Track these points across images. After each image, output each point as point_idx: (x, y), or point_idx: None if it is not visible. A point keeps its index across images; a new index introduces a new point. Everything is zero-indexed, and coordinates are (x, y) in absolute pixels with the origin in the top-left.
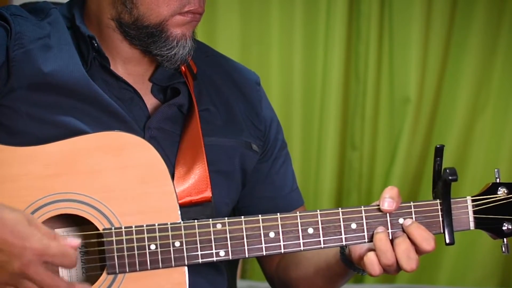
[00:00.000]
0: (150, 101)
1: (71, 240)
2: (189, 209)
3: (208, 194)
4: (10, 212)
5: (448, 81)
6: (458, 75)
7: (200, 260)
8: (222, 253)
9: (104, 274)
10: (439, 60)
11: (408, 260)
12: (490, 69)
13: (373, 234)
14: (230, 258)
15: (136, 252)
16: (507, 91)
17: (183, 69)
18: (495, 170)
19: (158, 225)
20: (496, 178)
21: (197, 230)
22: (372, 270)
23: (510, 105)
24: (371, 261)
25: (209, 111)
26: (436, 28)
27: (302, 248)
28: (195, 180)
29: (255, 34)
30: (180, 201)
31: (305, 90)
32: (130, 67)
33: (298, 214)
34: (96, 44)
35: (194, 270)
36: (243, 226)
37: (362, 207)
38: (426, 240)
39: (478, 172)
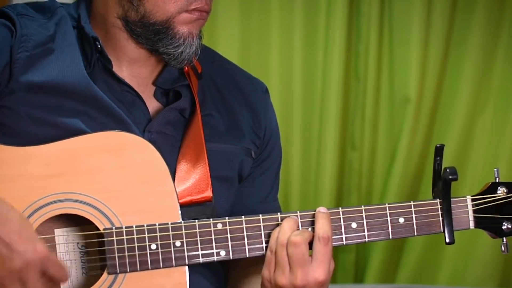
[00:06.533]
0: (152, 105)
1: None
2: (189, 209)
3: (209, 193)
4: (19, 217)
5: (448, 81)
6: (458, 75)
7: (200, 260)
8: (222, 252)
9: (105, 274)
10: (439, 60)
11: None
12: (490, 69)
13: (372, 231)
14: (231, 257)
15: (137, 252)
16: (507, 91)
17: (186, 68)
18: (495, 169)
19: (159, 224)
20: (496, 177)
21: (197, 230)
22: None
23: (510, 105)
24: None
25: (212, 116)
26: (436, 28)
27: None
28: (196, 180)
29: (255, 34)
30: (180, 201)
31: (305, 90)
32: (135, 68)
33: (298, 213)
34: (99, 46)
35: (194, 269)
36: (244, 225)
37: (363, 206)
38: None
39: (478, 171)
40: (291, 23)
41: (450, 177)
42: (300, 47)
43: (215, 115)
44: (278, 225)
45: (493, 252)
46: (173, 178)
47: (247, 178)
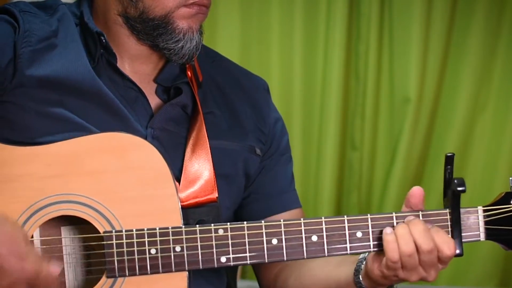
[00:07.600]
0: (155, 101)
1: (53, 268)
2: (195, 210)
3: (214, 195)
4: (11, 227)
5: (448, 81)
6: (458, 75)
7: (200, 266)
8: (223, 259)
9: (104, 277)
10: (439, 60)
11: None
12: (490, 69)
13: (378, 241)
14: (231, 264)
15: (136, 256)
16: (507, 91)
17: (189, 74)
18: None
19: (159, 229)
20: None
21: (198, 235)
22: (391, 252)
23: (510, 105)
24: (390, 242)
25: (214, 114)
26: (436, 28)
27: (305, 256)
28: (202, 181)
29: (255, 34)
30: (186, 202)
31: (305, 90)
32: (137, 65)
33: (302, 221)
34: (104, 40)
35: (196, 272)
36: (245, 232)
37: (369, 215)
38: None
39: (478, 172)
40: (291, 23)
41: (458, 188)
42: (300, 47)
43: (217, 113)
44: (280, 231)
45: (493, 252)
46: (179, 177)
47: (262, 172)
